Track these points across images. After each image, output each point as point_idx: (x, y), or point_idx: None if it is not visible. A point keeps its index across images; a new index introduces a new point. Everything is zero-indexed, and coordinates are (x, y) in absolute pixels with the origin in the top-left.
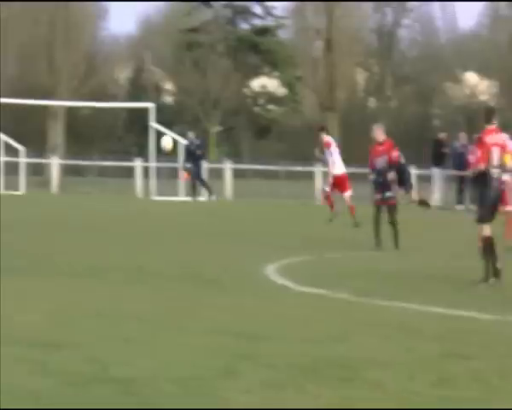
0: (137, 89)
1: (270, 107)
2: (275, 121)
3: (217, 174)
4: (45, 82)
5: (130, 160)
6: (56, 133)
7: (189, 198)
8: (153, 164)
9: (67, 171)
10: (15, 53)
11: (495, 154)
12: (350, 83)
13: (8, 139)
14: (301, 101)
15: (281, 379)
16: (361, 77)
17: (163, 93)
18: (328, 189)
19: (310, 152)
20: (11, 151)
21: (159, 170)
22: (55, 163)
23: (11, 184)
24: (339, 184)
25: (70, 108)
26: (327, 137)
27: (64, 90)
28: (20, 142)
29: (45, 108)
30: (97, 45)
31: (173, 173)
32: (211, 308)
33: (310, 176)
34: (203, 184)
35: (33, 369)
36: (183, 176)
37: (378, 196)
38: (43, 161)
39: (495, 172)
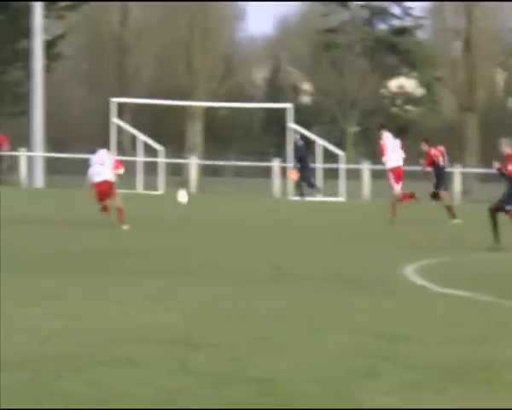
0: (274, 89)
1: (408, 107)
2: (413, 122)
3: (354, 175)
4: (183, 83)
5: (267, 160)
6: (194, 134)
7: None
8: (290, 164)
9: (205, 171)
10: (154, 56)
11: None
12: (489, 83)
13: (147, 140)
14: (440, 101)
15: (420, 380)
16: (500, 77)
17: (300, 93)
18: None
19: (449, 152)
20: (150, 151)
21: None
22: (193, 163)
23: (150, 184)
24: (397, 175)
25: (208, 109)
26: (384, 133)
27: (202, 91)
28: (159, 142)
29: (184, 108)
30: (235, 46)
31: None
32: (349, 309)
33: (449, 176)
34: (306, 182)
35: (173, 368)
36: (291, 175)
37: (499, 201)
38: (182, 161)
39: None
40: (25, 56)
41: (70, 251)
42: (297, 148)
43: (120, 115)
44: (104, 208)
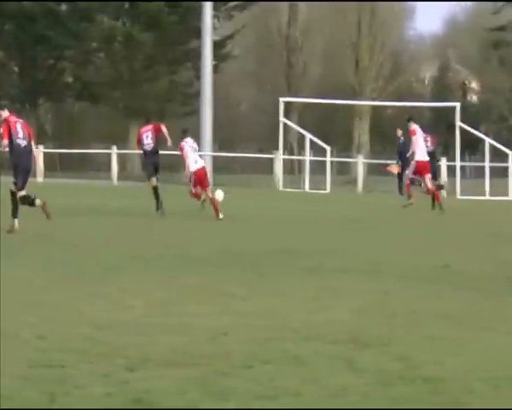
0: (442, 88)
1: None
2: None
3: None
4: (351, 82)
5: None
6: (361, 132)
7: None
8: (458, 163)
9: (371, 170)
10: (322, 54)
11: None
12: None
13: (314, 138)
14: None
15: None
16: None
17: (468, 92)
18: (411, 175)
19: None
20: (318, 150)
21: (463, 169)
22: (360, 162)
23: (317, 183)
24: (420, 170)
25: (375, 108)
26: (413, 126)
27: (369, 89)
28: (326, 141)
29: (351, 107)
30: (403, 45)
31: (480, 173)
32: None
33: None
34: (400, 180)
35: (340, 366)
36: (393, 169)
37: None
38: (349, 160)
39: None
40: (194, 57)
41: (234, 249)
42: (399, 145)
43: (287, 114)
44: (197, 195)
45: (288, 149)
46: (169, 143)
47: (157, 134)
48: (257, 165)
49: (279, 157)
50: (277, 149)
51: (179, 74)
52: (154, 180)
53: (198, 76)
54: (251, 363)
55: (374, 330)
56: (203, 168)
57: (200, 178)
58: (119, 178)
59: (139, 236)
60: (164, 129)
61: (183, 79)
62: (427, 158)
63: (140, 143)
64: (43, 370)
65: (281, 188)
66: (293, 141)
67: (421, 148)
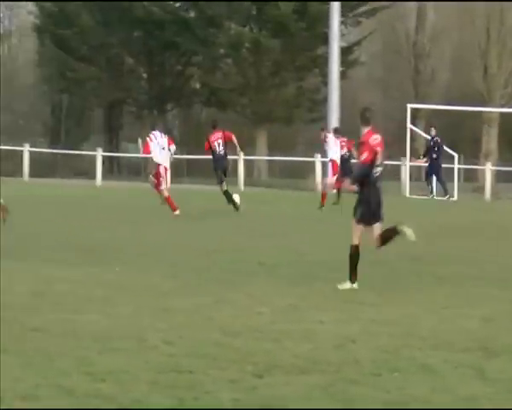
0: None
1: None
2: None
3: None
4: (479, 89)
5: None
6: (490, 139)
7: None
8: None
9: (499, 177)
10: (450, 60)
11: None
12: None
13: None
14: None
15: None
16: None
17: None
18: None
19: None
20: (445, 157)
21: None
22: (488, 169)
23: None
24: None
25: (504, 115)
26: (324, 133)
27: (498, 96)
28: (454, 148)
29: (479, 114)
30: None
31: None
32: None
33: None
34: (440, 182)
35: (470, 375)
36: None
37: None
38: (476, 167)
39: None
40: (322, 63)
41: (363, 256)
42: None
43: (415, 121)
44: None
45: (416, 156)
46: (238, 150)
47: (227, 140)
48: (384, 171)
49: (406, 164)
50: (404, 155)
51: (306, 80)
52: (224, 185)
53: (325, 82)
54: (379, 371)
55: (503, 339)
56: (165, 168)
57: (160, 173)
58: (246, 183)
59: (266, 242)
60: (234, 139)
61: (310, 85)
62: (337, 159)
63: (211, 150)
64: (172, 375)
65: (407, 195)
66: (419, 148)
67: (334, 150)
